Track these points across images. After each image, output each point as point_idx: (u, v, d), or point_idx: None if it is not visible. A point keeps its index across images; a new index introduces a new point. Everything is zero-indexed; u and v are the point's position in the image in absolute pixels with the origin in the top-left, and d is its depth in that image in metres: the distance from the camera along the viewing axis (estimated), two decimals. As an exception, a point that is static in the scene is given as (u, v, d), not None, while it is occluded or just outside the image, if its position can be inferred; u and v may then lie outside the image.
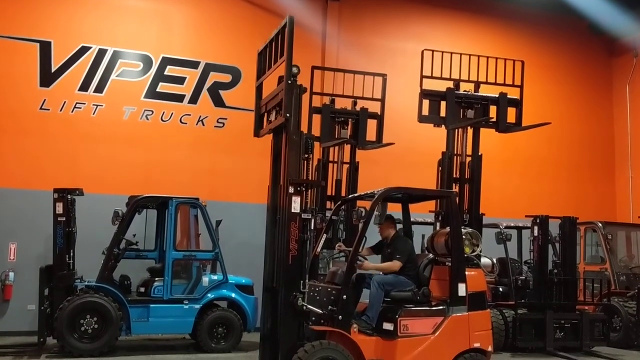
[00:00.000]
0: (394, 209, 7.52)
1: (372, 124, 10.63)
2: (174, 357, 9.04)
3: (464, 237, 7.01)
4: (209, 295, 9.65)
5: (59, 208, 9.39)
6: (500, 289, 11.66)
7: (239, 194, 12.41)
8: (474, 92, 10.46)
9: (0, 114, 11.51)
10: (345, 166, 10.41)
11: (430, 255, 7.31)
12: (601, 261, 12.86)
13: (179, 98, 12.76)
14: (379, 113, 10.59)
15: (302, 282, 6.23)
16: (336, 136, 10.29)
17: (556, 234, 11.29)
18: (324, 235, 7.29)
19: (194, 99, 12.86)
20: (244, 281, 10.09)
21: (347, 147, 10.49)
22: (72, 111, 11.96)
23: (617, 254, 12.97)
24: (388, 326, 6.42)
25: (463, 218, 9.64)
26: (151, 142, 12.37)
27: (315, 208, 7.93)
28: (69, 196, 9.57)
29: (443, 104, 10.21)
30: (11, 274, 10.98)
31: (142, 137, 12.33)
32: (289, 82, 6.35)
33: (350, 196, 7.34)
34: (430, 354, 6.37)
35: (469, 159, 10.35)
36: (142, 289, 9.81)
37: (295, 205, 6.26)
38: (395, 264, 6.88)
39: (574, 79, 16.00)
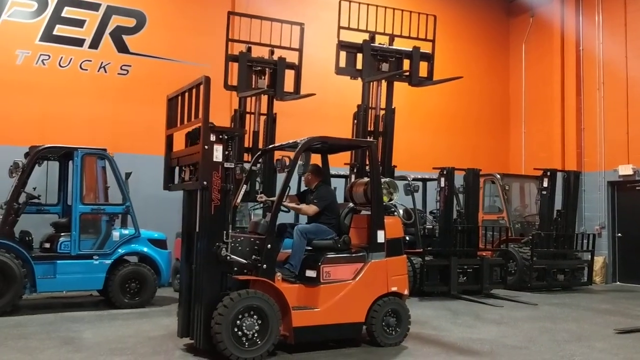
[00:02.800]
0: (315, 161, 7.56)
1: (289, 75, 10.48)
2: (85, 314, 8.67)
3: (382, 186, 7.12)
4: (120, 250, 9.27)
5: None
6: (407, 238, 12.12)
7: (144, 146, 11.85)
8: (389, 45, 10.56)
9: None
10: (263, 117, 10.23)
11: (351, 205, 7.44)
12: (498, 211, 13.70)
13: (78, 42, 11.92)
14: (297, 63, 10.44)
15: (225, 232, 6.12)
16: (253, 86, 10.06)
17: (459, 185, 11.89)
18: (244, 186, 7.22)
19: (94, 44, 12.06)
20: (156, 235, 9.80)
21: (265, 98, 10.30)
22: (-44, 52, 10.86)
23: (513, 204, 13.86)
24: (311, 273, 6.55)
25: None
26: (48, 90, 11.53)
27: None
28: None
29: (359, 56, 10.23)
30: None
31: (38, 84, 11.45)
32: (205, 147, 5.96)
33: (270, 146, 7.21)
34: (351, 298, 6.56)
35: (382, 112, 10.51)
36: (47, 245, 9.27)
37: (217, 154, 6.09)
38: (311, 208, 6.99)
39: (475, 37, 16.59)
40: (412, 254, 11.18)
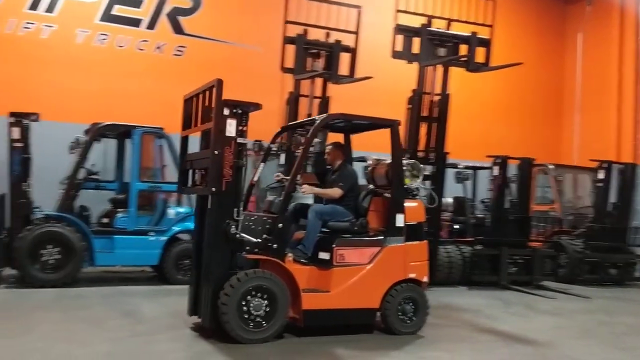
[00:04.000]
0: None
1: (343, 58, 10.44)
2: (141, 289, 8.87)
3: (404, 167, 6.69)
4: (175, 227, 9.45)
5: (15, 133, 8.85)
6: (456, 226, 12.04)
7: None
8: (446, 29, 10.42)
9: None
10: (316, 101, 10.23)
11: (370, 186, 7.12)
12: (550, 202, 13.45)
13: (135, 22, 12.13)
14: (353, 46, 10.39)
15: (236, 210, 5.88)
16: (308, 68, 10.05)
17: (511, 175, 11.69)
18: (262, 164, 6.97)
19: (151, 25, 12.26)
20: (209, 214, 9.93)
21: (319, 81, 10.29)
22: (20, 31, 11.15)
23: (565, 195, 13.58)
24: (324, 255, 6.32)
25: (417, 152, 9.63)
26: (106, 69, 11.76)
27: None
28: (25, 121, 9.01)
29: (415, 40, 10.12)
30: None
31: (96, 62, 11.71)
32: (215, 152, 5.75)
33: (290, 123, 6.93)
34: (365, 283, 6.31)
35: (437, 97, 10.39)
36: (105, 220, 9.51)
37: (230, 128, 5.83)
38: (336, 191, 6.68)
39: (530, 23, 16.26)
40: (461, 243, 11.13)
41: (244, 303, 5.67)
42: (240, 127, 5.92)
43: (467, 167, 12.08)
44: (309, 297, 6.02)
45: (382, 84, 12.58)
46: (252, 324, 5.71)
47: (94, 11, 11.75)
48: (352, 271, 6.28)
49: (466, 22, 10.59)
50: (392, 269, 6.47)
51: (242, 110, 5.96)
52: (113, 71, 11.79)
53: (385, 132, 6.65)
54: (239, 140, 5.91)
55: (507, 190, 11.59)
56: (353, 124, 7.16)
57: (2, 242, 8.61)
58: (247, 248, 5.92)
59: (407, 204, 6.65)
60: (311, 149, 6.39)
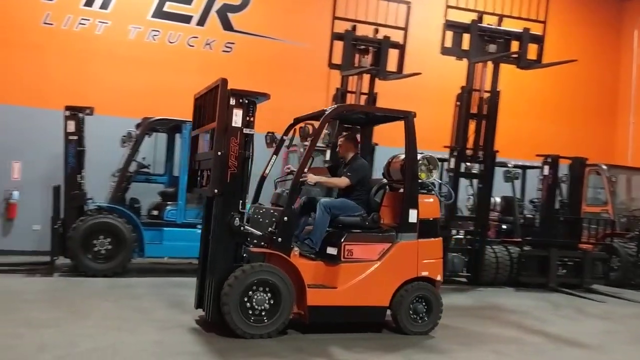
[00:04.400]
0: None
1: (392, 54, 10.37)
2: (188, 280, 8.92)
3: (420, 161, 6.46)
4: (222, 221, 9.57)
5: (71, 126, 9.13)
6: (504, 226, 11.83)
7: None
8: (497, 25, 10.24)
9: (1, 26, 10.98)
10: (363, 97, 10.20)
11: (384, 181, 6.88)
12: (602, 203, 13.05)
13: (186, 19, 12.31)
14: (401, 42, 10.31)
15: (241, 202, 5.75)
16: (355, 65, 10.03)
17: (562, 175, 11.41)
18: (274, 157, 6.77)
19: (202, 21, 12.42)
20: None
21: (366, 77, 10.25)
22: (76, 27, 11.48)
23: (618, 197, 13.16)
24: (332, 250, 6.12)
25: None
26: (157, 65, 11.98)
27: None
28: (80, 115, 9.28)
29: (465, 37, 9.99)
30: (15, 193, 10.80)
31: (148, 58, 11.94)
32: (219, 153, 5.66)
33: (302, 115, 6.86)
34: (375, 280, 6.09)
35: (486, 94, 10.23)
36: (155, 213, 9.72)
37: (237, 118, 5.69)
38: (343, 180, 6.47)
39: (585, 20, 15.79)
40: (509, 243, 10.94)
41: (246, 297, 5.57)
42: (247, 118, 5.77)
43: (516, 166, 11.84)
44: (314, 293, 5.87)
45: (430, 81, 12.45)
46: (254, 319, 5.60)
47: (146, 8, 11.99)
48: (361, 267, 6.08)
49: (518, 17, 10.38)
50: (403, 267, 6.25)
51: (249, 100, 5.80)
52: (164, 67, 12.00)
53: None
54: (246, 131, 5.76)
55: (557, 190, 11.32)
56: (370, 117, 6.97)
57: (56, 232, 8.90)
58: (255, 241, 5.83)
59: (422, 198, 6.43)
60: (322, 141, 6.14)
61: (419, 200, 6.36)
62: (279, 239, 5.78)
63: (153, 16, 12.01)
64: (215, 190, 5.70)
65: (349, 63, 9.92)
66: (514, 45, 10.31)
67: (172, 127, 10.20)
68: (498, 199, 11.83)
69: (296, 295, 5.78)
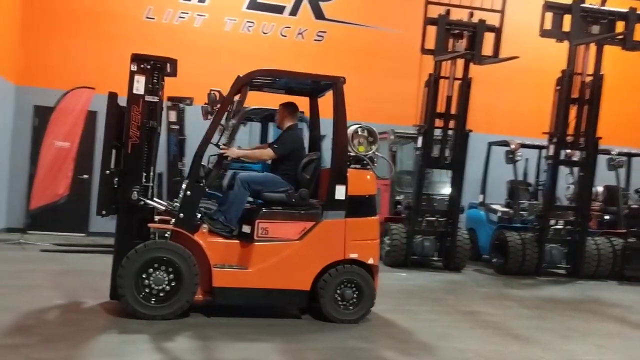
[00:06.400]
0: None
1: (488, 38, 10.09)
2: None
3: (360, 133, 5.95)
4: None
5: (172, 116, 9.56)
6: (606, 217, 11.28)
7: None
8: (601, 5, 9.73)
9: (105, 21, 11.61)
10: (457, 82, 10.00)
11: (314, 155, 6.24)
12: None
13: (279, 9, 12.53)
14: (497, 26, 10.00)
15: (144, 175, 5.46)
16: (449, 49, 9.84)
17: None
18: (232, 122, 5.91)
19: (294, 11, 12.59)
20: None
21: (460, 63, 10.03)
22: (175, 21, 11.98)
23: None
24: (246, 229, 5.70)
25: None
26: (252, 55, 12.22)
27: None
28: (180, 105, 9.70)
29: (566, 18, 9.56)
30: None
31: (243, 49, 12.23)
32: (107, 172, 5.45)
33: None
34: (293, 262, 5.62)
35: (588, 78, 9.77)
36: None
37: (139, 85, 5.36)
38: (267, 152, 6.06)
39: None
40: (612, 234, 10.46)
41: (143, 276, 5.23)
42: (150, 85, 5.43)
43: (620, 154, 11.22)
44: (221, 274, 5.48)
45: (528, 65, 11.98)
46: (153, 300, 5.25)
47: (241, 0, 12.31)
48: (278, 247, 5.62)
49: (624, -4, 9.81)
50: (327, 248, 5.72)
51: (152, 66, 5.45)
52: (258, 57, 12.19)
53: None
54: (148, 98, 5.41)
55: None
56: (296, 85, 6.57)
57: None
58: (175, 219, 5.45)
59: (355, 174, 5.89)
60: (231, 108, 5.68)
61: (349, 176, 5.83)
62: (181, 215, 5.45)
63: (247, 8, 12.32)
64: (103, 212, 5.41)
65: (442, 48, 9.74)
66: (619, 26, 9.79)
67: (265, 116, 10.42)
68: (600, 189, 11.28)
69: (203, 275, 5.44)
